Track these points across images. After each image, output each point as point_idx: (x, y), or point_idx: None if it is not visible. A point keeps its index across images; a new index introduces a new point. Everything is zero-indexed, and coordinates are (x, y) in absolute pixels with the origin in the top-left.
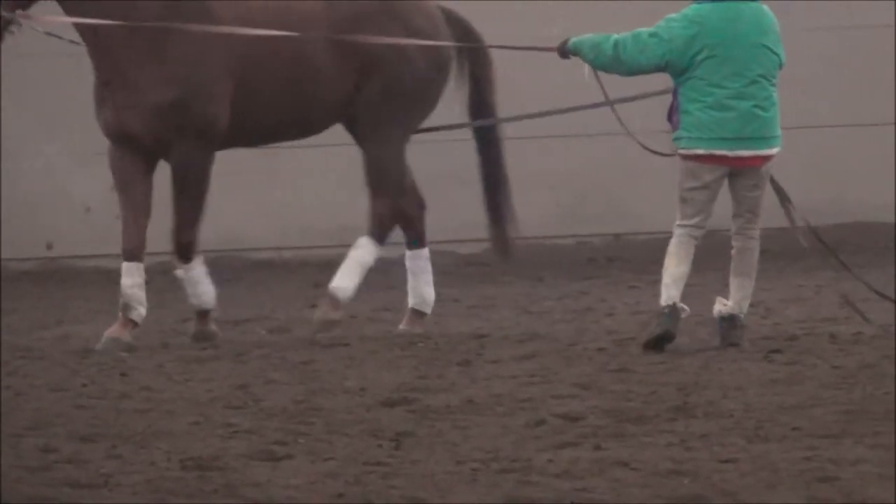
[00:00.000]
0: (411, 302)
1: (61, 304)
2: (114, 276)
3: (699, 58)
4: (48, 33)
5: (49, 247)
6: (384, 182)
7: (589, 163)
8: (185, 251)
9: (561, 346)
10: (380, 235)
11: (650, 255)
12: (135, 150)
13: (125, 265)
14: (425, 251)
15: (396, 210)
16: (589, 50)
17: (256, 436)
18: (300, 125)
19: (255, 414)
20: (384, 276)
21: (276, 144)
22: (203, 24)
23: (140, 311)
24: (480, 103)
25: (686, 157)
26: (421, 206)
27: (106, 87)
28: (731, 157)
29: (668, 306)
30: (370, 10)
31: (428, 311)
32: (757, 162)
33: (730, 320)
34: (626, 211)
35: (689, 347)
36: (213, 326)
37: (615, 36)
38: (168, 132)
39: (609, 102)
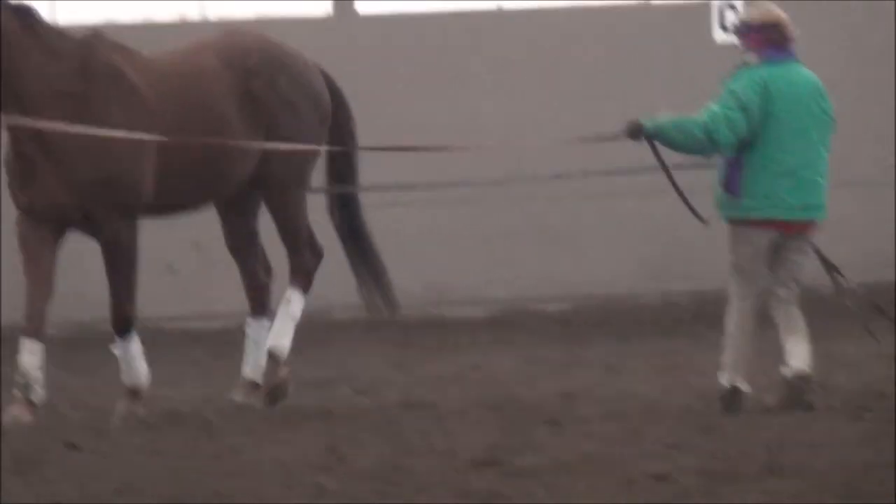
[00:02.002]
0: (249, 372)
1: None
2: (198, 336)
3: (766, 123)
4: None
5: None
6: (301, 235)
7: (672, 219)
8: (124, 325)
9: (648, 405)
10: (307, 286)
11: None
12: (47, 223)
13: (26, 343)
14: (267, 321)
15: (316, 260)
16: (674, 133)
17: (345, 497)
18: (217, 191)
19: (343, 475)
20: (461, 337)
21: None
22: (118, 89)
23: (39, 393)
24: (345, 164)
25: (738, 223)
26: (269, 273)
27: (23, 158)
28: (786, 222)
29: (730, 389)
30: (262, 63)
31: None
32: (808, 228)
33: (801, 380)
34: (711, 268)
35: (776, 404)
36: (141, 407)
37: (696, 118)
38: (96, 206)
39: (665, 168)
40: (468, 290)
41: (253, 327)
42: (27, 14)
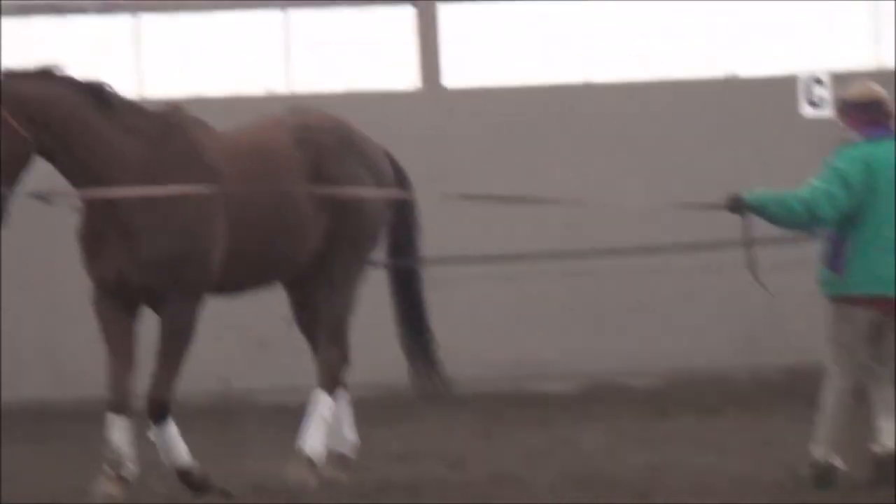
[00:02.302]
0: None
1: (238, 440)
2: (287, 410)
3: (870, 200)
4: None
5: (226, 383)
6: (341, 329)
7: (763, 294)
8: (161, 411)
9: (738, 480)
10: (334, 386)
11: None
12: (123, 299)
13: (112, 418)
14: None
15: (347, 358)
16: (776, 207)
17: None
18: (281, 271)
19: None
20: (551, 411)
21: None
22: (193, 167)
23: (130, 468)
24: (408, 243)
25: (839, 300)
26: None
27: (98, 237)
28: (889, 300)
29: (824, 465)
30: (331, 144)
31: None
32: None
33: (892, 459)
34: (802, 343)
35: (866, 482)
36: (197, 478)
37: (797, 193)
38: (162, 284)
39: (748, 241)
40: (557, 364)
41: (317, 401)
42: (100, 91)
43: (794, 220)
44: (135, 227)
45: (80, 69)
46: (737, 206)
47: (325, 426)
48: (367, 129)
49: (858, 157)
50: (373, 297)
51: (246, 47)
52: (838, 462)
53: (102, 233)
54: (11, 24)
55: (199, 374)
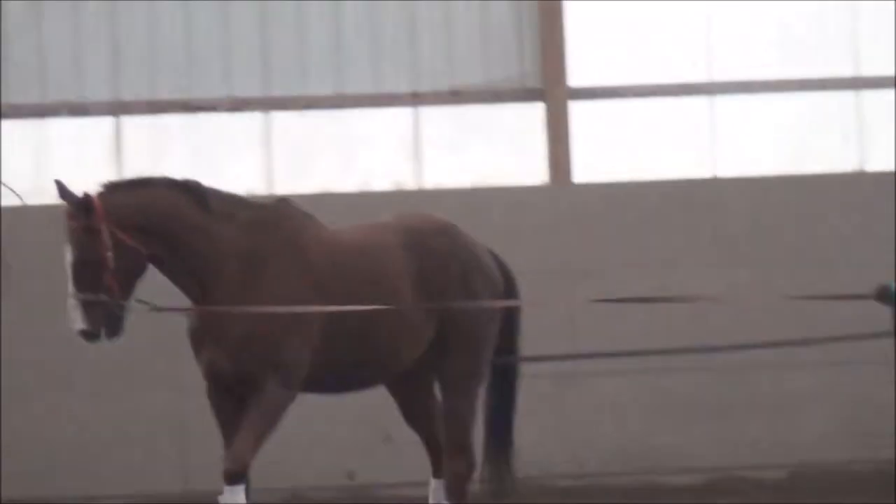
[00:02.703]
0: None
1: None
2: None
3: None
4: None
5: (351, 476)
6: (466, 437)
7: (888, 386)
8: (239, 474)
9: None
10: (463, 498)
11: None
12: (226, 387)
13: (228, 489)
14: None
15: (473, 465)
16: None
17: None
18: (382, 372)
19: None
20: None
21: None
22: (291, 265)
23: None
24: (511, 342)
25: None
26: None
27: (202, 334)
28: None
29: None
30: (438, 247)
31: None
32: None
33: None
34: None
35: None
36: None
37: None
38: (255, 377)
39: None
40: (682, 456)
41: (435, 491)
42: (196, 188)
43: None
44: (227, 327)
45: (209, 167)
46: (885, 296)
47: None
48: (497, 224)
49: None
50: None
51: (375, 144)
52: None
53: (203, 330)
54: (141, 121)
55: (325, 466)
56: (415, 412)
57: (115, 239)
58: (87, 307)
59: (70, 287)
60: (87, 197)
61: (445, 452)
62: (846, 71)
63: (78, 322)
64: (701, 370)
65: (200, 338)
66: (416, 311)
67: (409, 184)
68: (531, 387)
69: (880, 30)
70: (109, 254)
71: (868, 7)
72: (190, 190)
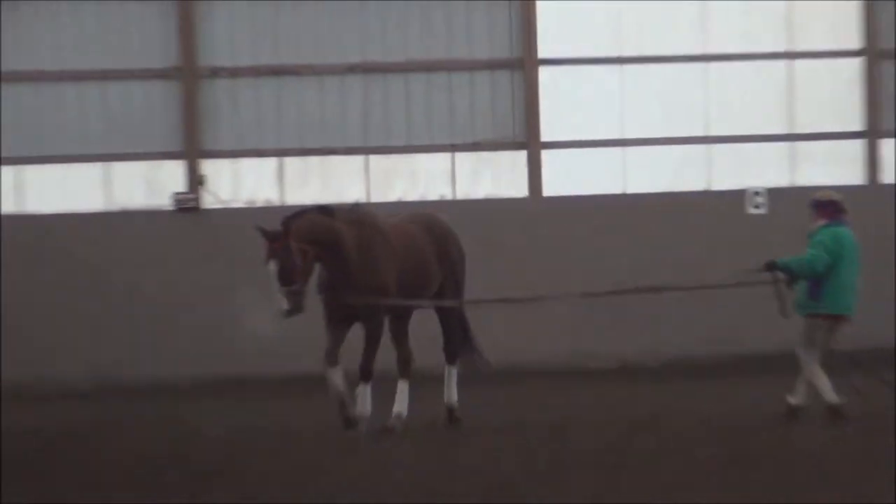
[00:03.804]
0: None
1: None
2: None
3: (838, 260)
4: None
5: None
6: (456, 330)
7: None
8: (366, 375)
9: None
10: (454, 357)
11: None
12: (342, 317)
13: (330, 369)
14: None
15: (458, 343)
16: (797, 267)
17: None
18: (423, 292)
19: None
20: None
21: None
22: (386, 247)
23: (346, 394)
24: (457, 282)
25: (814, 316)
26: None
27: (332, 282)
28: (841, 316)
29: (838, 403)
30: (442, 232)
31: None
32: (847, 320)
33: (795, 409)
34: None
35: (784, 417)
36: (389, 425)
37: (803, 258)
38: (366, 309)
39: (777, 283)
40: (601, 355)
41: (450, 370)
42: (324, 208)
43: (802, 272)
44: (356, 281)
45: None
46: (772, 267)
47: (454, 382)
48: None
49: (830, 235)
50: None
51: (430, 175)
52: (834, 399)
53: (334, 280)
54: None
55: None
56: (395, 333)
57: (299, 249)
58: (287, 295)
59: (275, 284)
60: (283, 227)
61: (447, 339)
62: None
63: (283, 305)
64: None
65: (330, 289)
66: (435, 265)
67: (448, 196)
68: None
69: None
70: (297, 259)
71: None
72: (322, 209)
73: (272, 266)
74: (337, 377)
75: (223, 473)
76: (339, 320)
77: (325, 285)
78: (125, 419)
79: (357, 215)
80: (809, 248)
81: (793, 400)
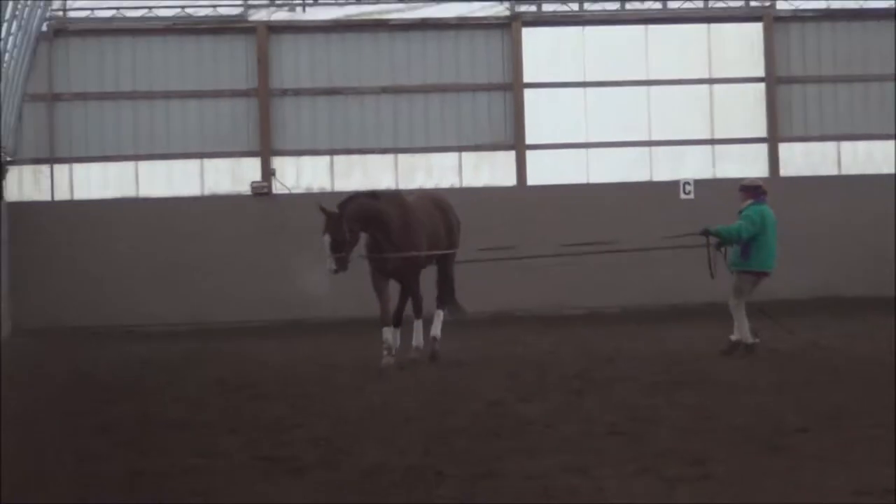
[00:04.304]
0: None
1: None
2: None
3: (761, 230)
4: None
5: None
6: (453, 284)
7: None
8: (398, 321)
9: None
10: (443, 307)
11: None
12: (386, 275)
13: (385, 329)
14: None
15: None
16: (726, 234)
17: None
18: (436, 256)
19: None
20: None
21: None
22: (415, 218)
23: (395, 349)
24: (454, 242)
25: (744, 272)
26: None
27: (376, 246)
28: (764, 272)
29: (733, 342)
30: (446, 206)
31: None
32: (767, 276)
33: (753, 345)
34: None
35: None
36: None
37: (732, 227)
38: (407, 268)
39: (708, 248)
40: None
41: (417, 325)
42: (371, 193)
43: (732, 238)
44: (399, 246)
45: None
46: (706, 233)
47: (440, 321)
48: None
49: (757, 211)
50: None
51: (440, 170)
52: (750, 339)
53: (381, 245)
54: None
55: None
56: (381, 286)
57: (348, 225)
58: (336, 260)
59: (327, 250)
60: (339, 208)
61: (441, 292)
62: None
63: (332, 266)
64: None
65: (379, 250)
66: (444, 231)
67: (456, 185)
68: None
69: None
70: (346, 234)
71: None
72: (370, 194)
73: (326, 237)
74: (388, 333)
75: (283, 395)
76: (381, 278)
77: (372, 249)
78: (209, 352)
79: (393, 197)
80: (739, 220)
81: (733, 337)
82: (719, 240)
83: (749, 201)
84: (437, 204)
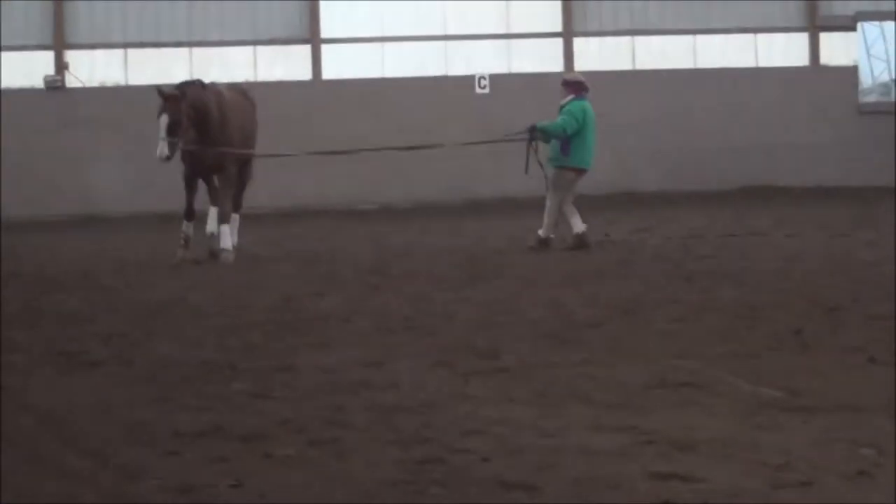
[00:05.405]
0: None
1: None
2: None
3: (583, 126)
4: None
5: None
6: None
7: None
8: (225, 218)
9: None
10: (227, 217)
11: None
12: (198, 171)
13: (185, 223)
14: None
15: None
16: (553, 130)
17: None
18: (250, 145)
19: None
20: None
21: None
22: (232, 112)
23: (189, 241)
24: (252, 133)
25: (563, 169)
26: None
27: (199, 139)
28: (584, 169)
29: (543, 239)
30: (250, 97)
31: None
32: (585, 172)
33: (582, 236)
34: None
35: (571, 246)
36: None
37: (557, 123)
38: (225, 161)
39: (529, 142)
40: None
41: (212, 212)
42: (201, 82)
43: (556, 134)
44: (218, 139)
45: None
46: (532, 130)
47: (232, 234)
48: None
49: (579, 106)
50: None
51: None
52: (552, 236)
53: (195, 144)
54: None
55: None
56: (207, 178)
57: (185, 111)
58: (168, 145)
59: (162, 133)
60: (180, 90)
61: (238, 196)
62: None
63: (165, 151)
64: None
65: (198, 144)
66: (254, 125)
67: (251, 79)
68: None
69: None
70: (183, 118)
71: None
72: (202, 84)
73: (164, 118)
74: (188, 227)
75: (77, 289)
76: (195, 174)
77: (193, 141)
78: (2, 246)
79: (212, 89)
80: (561, 115)
81: (541, 233)
82: (545, 137)
83: (570, 96)
84: (246, 95)
